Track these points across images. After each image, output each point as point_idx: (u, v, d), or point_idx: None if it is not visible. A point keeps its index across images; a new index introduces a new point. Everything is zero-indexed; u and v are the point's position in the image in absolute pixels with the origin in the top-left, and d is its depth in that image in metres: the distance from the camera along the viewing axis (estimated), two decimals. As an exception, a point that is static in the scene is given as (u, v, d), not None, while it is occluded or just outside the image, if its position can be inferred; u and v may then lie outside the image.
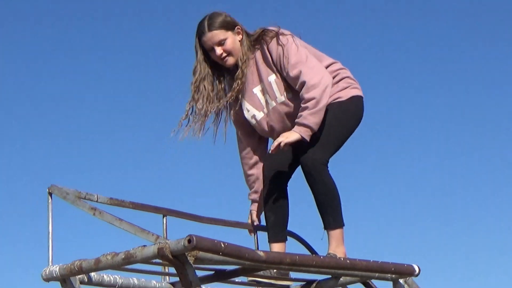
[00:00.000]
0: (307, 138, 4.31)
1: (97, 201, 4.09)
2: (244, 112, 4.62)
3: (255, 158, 4.77)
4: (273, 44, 4.44)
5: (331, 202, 4.46)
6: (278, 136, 4.50)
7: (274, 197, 4.57)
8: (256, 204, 4.78)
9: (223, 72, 4.63)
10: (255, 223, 4.79)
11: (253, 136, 4.76)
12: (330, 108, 4.46)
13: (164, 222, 4.34)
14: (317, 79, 4.33)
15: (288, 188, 4.71)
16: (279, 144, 4.28)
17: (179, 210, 4.57)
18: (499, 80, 14.66)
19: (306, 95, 4.31)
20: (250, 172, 4.76)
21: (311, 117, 4.31)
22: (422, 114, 14.74)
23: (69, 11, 14.84)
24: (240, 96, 4.62)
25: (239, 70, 4.50)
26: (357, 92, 4.62)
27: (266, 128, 4.59)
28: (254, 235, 4.91)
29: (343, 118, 4.54)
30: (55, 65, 14.66)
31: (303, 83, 4.34)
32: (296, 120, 4.34)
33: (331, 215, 4.45)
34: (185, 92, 4.60)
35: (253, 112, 4.59)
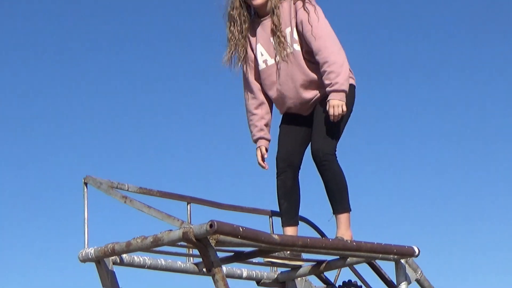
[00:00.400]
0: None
1: (127, 190, 4.22)
2: (258, 55, 4.71)
3: (260, 99, 4.80)
4: (299, 4, 4.54)
5: (340, 189, 4.60)
6: (277, 87, 4.61)
7: (287, 185, 4.69)
8: (262, 140, 4.79)
9: (248, 16, 4.68)
10: (265, 156, 4.81)
11: (259, 79, 4.83)
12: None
13: (188, 208, 4.44)
14: (338, 48, 4.49)
15: (299, 177, 4.79)
16: (336, 109, 4.37)
17: (201, 197, 4.67)
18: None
19: (332, 58, 4.40)
20: (255, 111, 4.78)
21: (346, 83, 4.43)
22: (417, 102, 14.84)
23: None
24: (255, 40, 4.73)
25: (274, 16, 4.56)
26: (352, 81, 4.69)
27: (272, 75, 4.66)
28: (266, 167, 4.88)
29: (347, 109, 4.61)
30: (87, 62, 14.92)
31: (325, 48, 4.45)
32: (333, 87, 4.39)
33: (339, 201, 4.60)
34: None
35: (266, 57, 4.68)
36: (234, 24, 4.65)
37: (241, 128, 4.99)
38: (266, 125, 4.78)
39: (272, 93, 4.70)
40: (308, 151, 4.76)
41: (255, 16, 4.71)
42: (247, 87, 4.82)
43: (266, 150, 4.76)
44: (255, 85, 4.78)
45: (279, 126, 4.86)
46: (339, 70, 4.42)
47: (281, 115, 4.90)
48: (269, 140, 4.79)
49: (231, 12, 4.64)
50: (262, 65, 4.68)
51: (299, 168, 4.76)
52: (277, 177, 4.73)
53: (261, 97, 4.78)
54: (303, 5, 4.52)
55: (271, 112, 4.86)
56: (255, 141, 4.80)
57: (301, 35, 4.56)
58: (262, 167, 4.79)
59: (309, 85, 4.62)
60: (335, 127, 4.58)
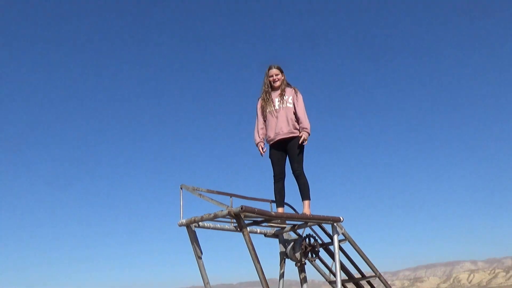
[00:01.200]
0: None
1: (201, 190, 4.46)
2: (271, 103, 4.87)
3: (264, 125, 4.86)
4: (295, 92, 4.84)
5: (306, 188, 4.76)
6: (275, 121, 4.77)
7: (279, 187, 4.85)
8: (261, 142, 4.83)
9: (270, 91, 4.90)
10: (264, 149, 4.81)
11: (265, 118, 4.90)
12: (298, 139, 4.73)
13: (231, 199, 4.61)
14: (307, 118, 4.75)
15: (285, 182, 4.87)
16: (304, 139, 4.65)
17: (237, 194, 4.78)
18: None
19: (305, 122, 4.71)
20: (260, 130, 4.85)
21: (309, 130, 4.72)
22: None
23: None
24: (271, 97, 4.89)
25: (281, 91, 4.83)
26: None
27: (273, 115, 4.82)
28: (264, 155, 4.86)
29: (303, 146, 4.79)
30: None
31: (302, 117, 4.74)
32: (305, 130, 4.69)
33: (305, 194, 4.76)
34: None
35: (272, 107, 4.85)
36: (265, 93, 4.92)
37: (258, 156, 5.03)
38: (263, 137, 4.86)
39: (271, 124, 4.84)
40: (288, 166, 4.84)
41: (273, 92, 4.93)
42: (260, 118, 4.94)
43: (264, 145, 4.84)
44: (262, 119, 4.92)
45: (269, 157, 4.91)
46: (308, 124, 4.72)
47: (268, 149, 4.91)
48: (264, 143, 4.88)
49: (265, 89, 4.92)
50: (269, 108, 4.86)
51: (284, 178, 4.85)
52: (274, 183, 4.87)
53: (264, 126, 4.91)
54: (296, 93, 4.84)
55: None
56: (258, 143, 4.85)
57: (293, 103, 4.81)
58: (261, 154, 4.84)
59: (288, 124, 4.78)
60: (301, 157, 4.77)
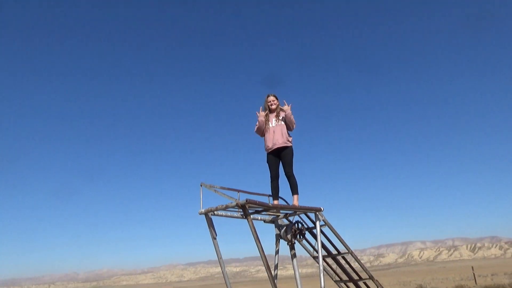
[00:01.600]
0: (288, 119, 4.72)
1: (216, 187, 4.46)
2: (267, 122, 4.90)
3: (262, 129, 4.84)
4: (285, 112, 4.84)
5: (295, 186, 4.79)
6: (271, 134, 4.76)
7: (274, 185, 4.86)
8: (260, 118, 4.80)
9: (268, 113, 4.91)
10: (262, 112, 4.83)
11: (263, 128, 4.89)
12: (289, 148, 4.78)
13: (238, 194, 4.62)
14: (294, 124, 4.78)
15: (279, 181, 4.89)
16: (288, 108, 4.70)
17: (244, 190, 4.76)
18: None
19: (293, 128, 4.77)
20: (257, 129, 4.85)
21: (293, 116, 4.77)
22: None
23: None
24: (269, 118, 4.90)
25: (277, 113, 4.84)
26: (290, 144, 4.89)
27: (271, 129, 4.84)
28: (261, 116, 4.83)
29: (293, 153, 4.83)
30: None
31: (292, 124, 4.80)
32: (291, 113, 4.72)
33: (294, 190, 4.80)
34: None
35: (270, 123, 4.87)
36: (265, 114, 4.91)
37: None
38: (261, 125, 4.83)
39: (269, 137, 4.84)
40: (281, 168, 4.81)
41: (270, 113, 4.95)
42: (259, 126, 4.92)
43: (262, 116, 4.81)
44: (261, 129, 4.90)
45: (267, 162, 4.89)
46: (294, 122, 4.78)
47: (266, 155, 4.87)
48: (261, 121, 4.83)
49: (267, 111, 4.93)
50: (268, 125, 4.87)
51: (279, 177, 4.87)
52: (271, 182, 4.90)
53: (262, 129, 4.89)
54: (287, 113, 4.85)
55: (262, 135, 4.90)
56: (259, 121, 4.84)
57: (284, 121, 4.83)
58: (260, 113, 4.86)
59: (283, 137, 4.82)
60: (291, 162, 4.78)
